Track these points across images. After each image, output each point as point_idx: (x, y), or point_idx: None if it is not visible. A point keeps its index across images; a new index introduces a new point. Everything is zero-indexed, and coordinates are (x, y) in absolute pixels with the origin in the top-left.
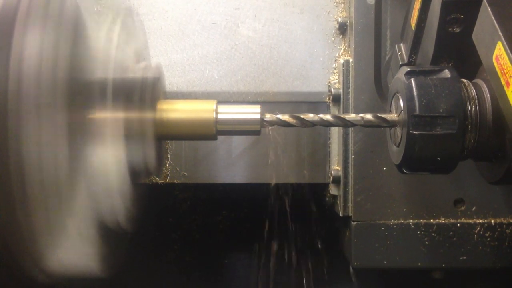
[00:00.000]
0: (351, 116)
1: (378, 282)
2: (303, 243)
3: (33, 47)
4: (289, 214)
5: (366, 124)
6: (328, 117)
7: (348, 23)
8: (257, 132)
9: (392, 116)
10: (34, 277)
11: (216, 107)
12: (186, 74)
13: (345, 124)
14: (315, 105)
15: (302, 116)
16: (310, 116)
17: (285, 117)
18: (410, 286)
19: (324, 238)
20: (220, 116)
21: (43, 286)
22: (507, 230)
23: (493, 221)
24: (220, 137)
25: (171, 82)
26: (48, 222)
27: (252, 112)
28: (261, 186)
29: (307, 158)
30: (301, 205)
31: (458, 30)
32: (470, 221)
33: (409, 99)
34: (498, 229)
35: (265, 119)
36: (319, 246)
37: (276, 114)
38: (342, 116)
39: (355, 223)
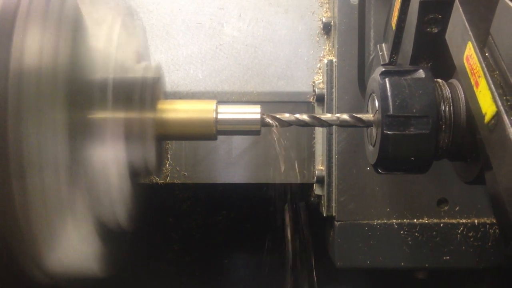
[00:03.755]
0: (327, 116)
1: (364, 282)
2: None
3: (33, 47)
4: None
5: (342, 124)
6: (304, 117)
7: (332, 23)
8: (257, 132)
9: (368, 116)
10: (34, 277)
11: (216, 107)
12: (171, 74)
13: (321, 124)
14: (300, 105)
15: (278, 116)
16: (286, 116)
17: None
18: (394, 286)
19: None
20: (220, 116)
21: (43, 286)
22: (490, 230)
23: (476, 221)
24: (220, 137)
25: None
26: (48, 222)
27: (252, 112)
28: (261, 186)
29: (307, 159)
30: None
31: (436, 30)
32: (454, 221)
33: (383, 99)
34: (481, 229)
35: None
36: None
37: None
38: (318, 116)
39: (338, 223)
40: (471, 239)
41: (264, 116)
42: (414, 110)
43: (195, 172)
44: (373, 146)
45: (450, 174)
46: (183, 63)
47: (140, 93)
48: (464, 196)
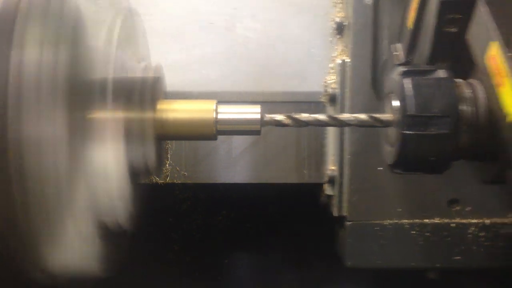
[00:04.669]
0: (346, 116)
1: (373, 282)
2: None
3: (33, 47)
4: (287, 215)
5: (360, 124)
6: (323, 117)
7: (345, 23)
8: (257, 132)
9: (387, 116)
10: (35, 277)
11: (216, 107)
12: (185, 74)
13: (340, 124)
14: (312, 105)
15: (296, 116)
16: (305, 116)
17: (280, 117)
18: (404, 286)
19: (320, 238)
20: (220, 116)
21: (43, 286)
22: (501, 230)
23: (487, 221)
24: (220, 137)
25: (170, 82)
26: (48, 222)
27: (252, 112)
28: (261, 186)
29: (307, 158)
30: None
31: (455, 30)
32: (465, 221)
33: (403, 99)
34: (493, 229)
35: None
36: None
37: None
38: (336, 116)
39: (349, 223)
40: (482, 239)
41: (283, 117)
42: (435, 110)
43: (195, 172)
44: (392, 146)
45: (461, 174)
46: (197, 63)
47: (140, 93)
48: (475, 196)
